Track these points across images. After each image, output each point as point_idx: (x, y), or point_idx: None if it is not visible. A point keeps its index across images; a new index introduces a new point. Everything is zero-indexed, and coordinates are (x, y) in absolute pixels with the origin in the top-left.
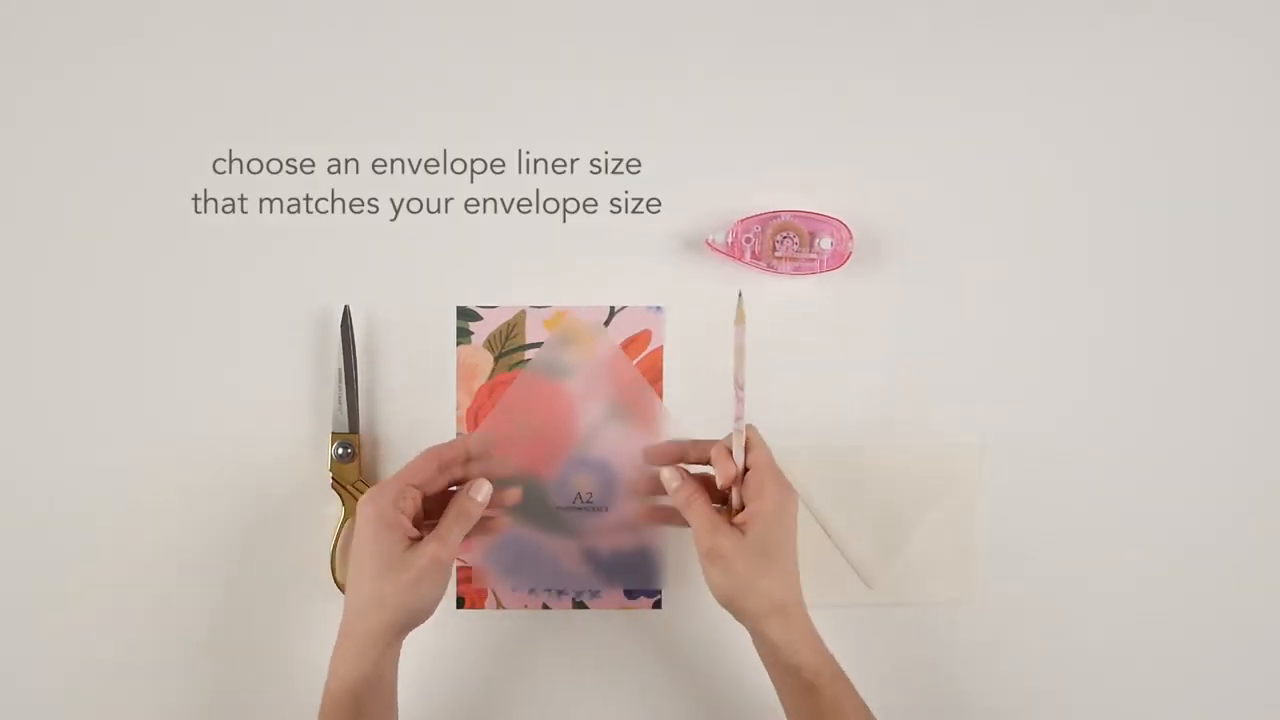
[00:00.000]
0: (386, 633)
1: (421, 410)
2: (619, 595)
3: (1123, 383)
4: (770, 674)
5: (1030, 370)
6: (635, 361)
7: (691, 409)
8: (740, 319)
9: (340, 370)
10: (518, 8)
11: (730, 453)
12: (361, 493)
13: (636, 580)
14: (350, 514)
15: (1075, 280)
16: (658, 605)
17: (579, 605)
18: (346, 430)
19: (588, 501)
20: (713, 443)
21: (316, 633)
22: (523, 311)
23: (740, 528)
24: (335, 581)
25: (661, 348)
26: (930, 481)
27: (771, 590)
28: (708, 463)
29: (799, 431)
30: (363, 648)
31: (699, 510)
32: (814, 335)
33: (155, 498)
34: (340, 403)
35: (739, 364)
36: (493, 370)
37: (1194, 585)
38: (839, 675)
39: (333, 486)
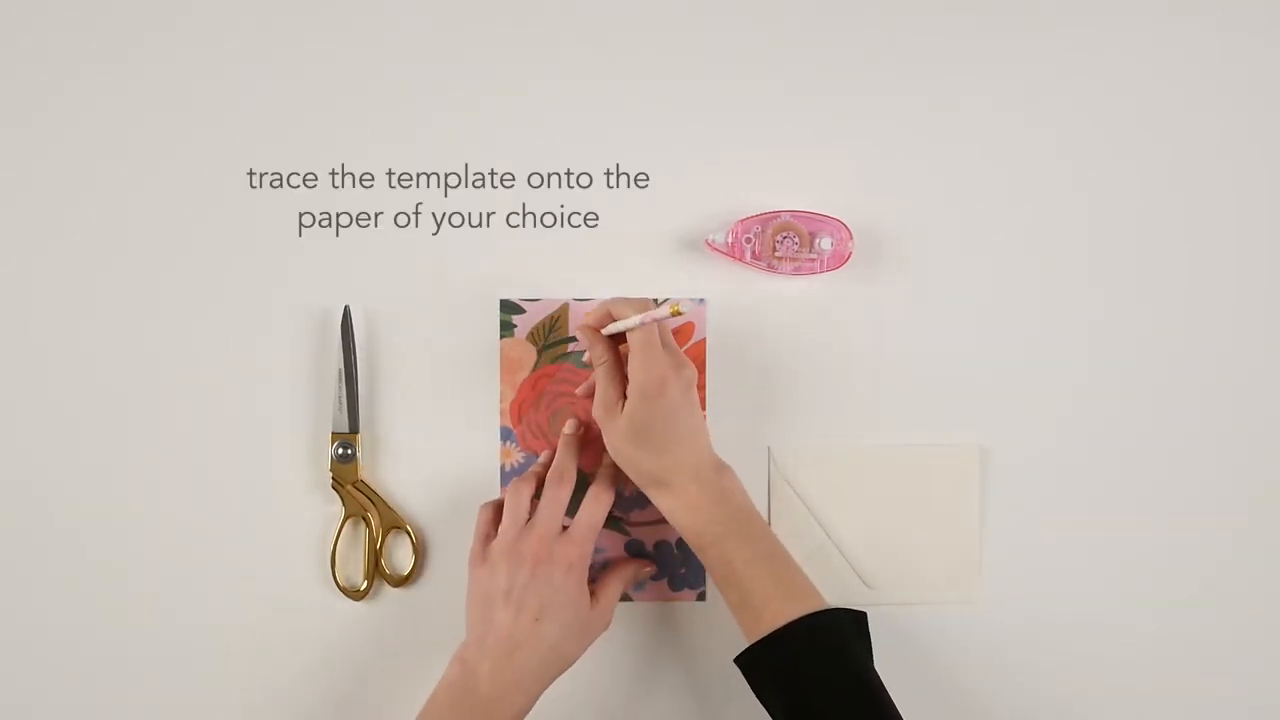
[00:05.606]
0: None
1: (423, 409)
2: (663, 587)
3: (1123, 382)
4: None
5: (1031, 370)
6: None
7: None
8: (673, 312)
9: (340, 370)
10: (518, 11)
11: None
12: (362, 493)
13: (681, 572)
14: (351, 514)
15: (1076, 280)
16: (701, 598)
17: (623, 597)
18: (346, 430)
19: (632, 494)
20: (643, 303)
21: (316, 632)
22: (565, 304)
23: (621, 404)
24: (335, 581)
25: (705, 340)
26: (930, 481)
27: (642, 465)
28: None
29: (799, 431)
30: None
31: (603, 375)
32: (814, 335)
33: (155, 497)
34: (340, 403)
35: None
36: (536, 363)
37: (1195, 584)
38: (728, 535)
39: (333, 486)
